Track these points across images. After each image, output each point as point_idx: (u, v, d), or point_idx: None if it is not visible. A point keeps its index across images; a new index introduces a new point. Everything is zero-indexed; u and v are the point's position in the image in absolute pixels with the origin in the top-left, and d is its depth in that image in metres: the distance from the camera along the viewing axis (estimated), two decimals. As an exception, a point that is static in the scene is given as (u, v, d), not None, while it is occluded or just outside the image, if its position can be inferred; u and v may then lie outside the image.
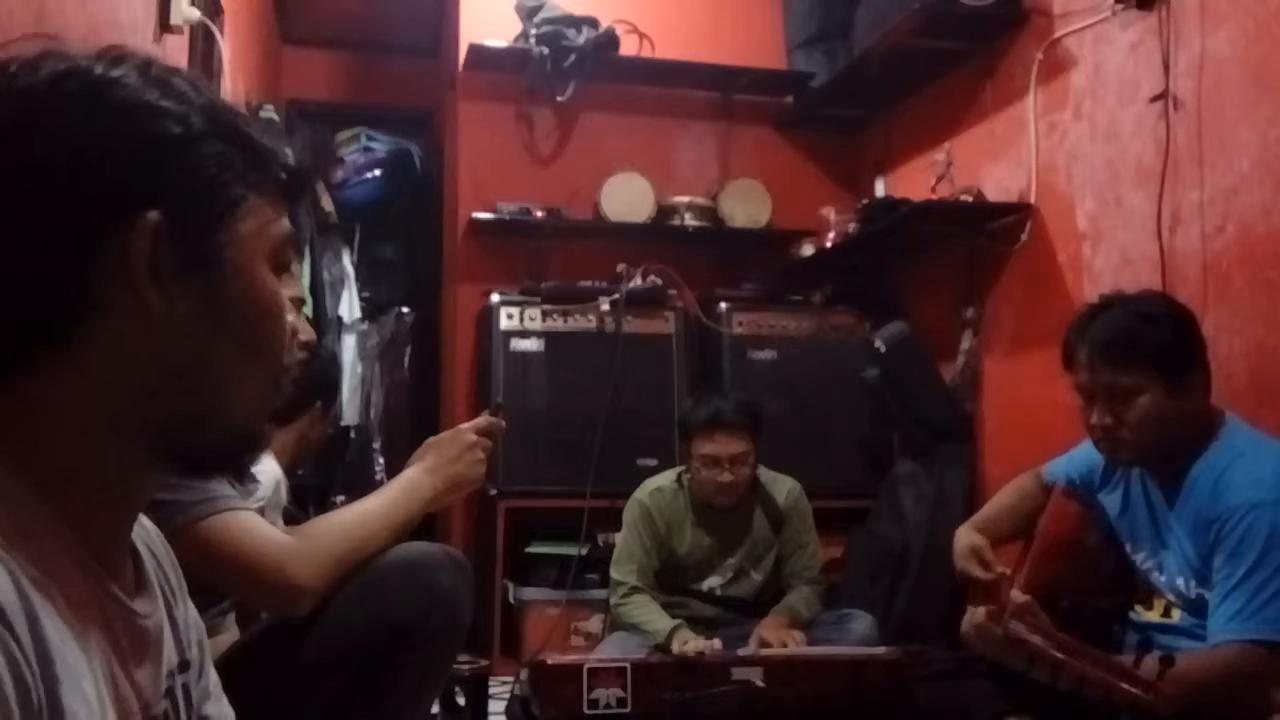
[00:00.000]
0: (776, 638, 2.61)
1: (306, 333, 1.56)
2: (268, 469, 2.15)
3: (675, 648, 2.56)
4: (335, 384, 2.69)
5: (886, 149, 3.99)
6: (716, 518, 2.92)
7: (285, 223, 0.77)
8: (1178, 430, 1.81)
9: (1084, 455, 2.04)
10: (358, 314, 4.57)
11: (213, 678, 0.89)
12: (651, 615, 2.74)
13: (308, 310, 3.42)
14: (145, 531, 0.82)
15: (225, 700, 0.92)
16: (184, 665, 0.80)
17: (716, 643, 2.62)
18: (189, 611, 0.85)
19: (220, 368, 0.72)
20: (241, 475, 0.76)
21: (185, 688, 0.79)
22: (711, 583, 2.94)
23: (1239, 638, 1.65)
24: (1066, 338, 1.89)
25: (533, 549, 3.48)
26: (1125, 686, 1.47)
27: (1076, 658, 1.51)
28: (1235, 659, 1.64)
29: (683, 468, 3.04)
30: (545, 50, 3.77)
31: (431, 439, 1.54)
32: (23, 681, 0.57)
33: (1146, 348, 1.79)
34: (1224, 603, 1.68)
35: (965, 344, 3.40)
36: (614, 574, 2.88)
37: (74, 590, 0.65)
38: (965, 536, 2.11)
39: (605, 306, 3.57)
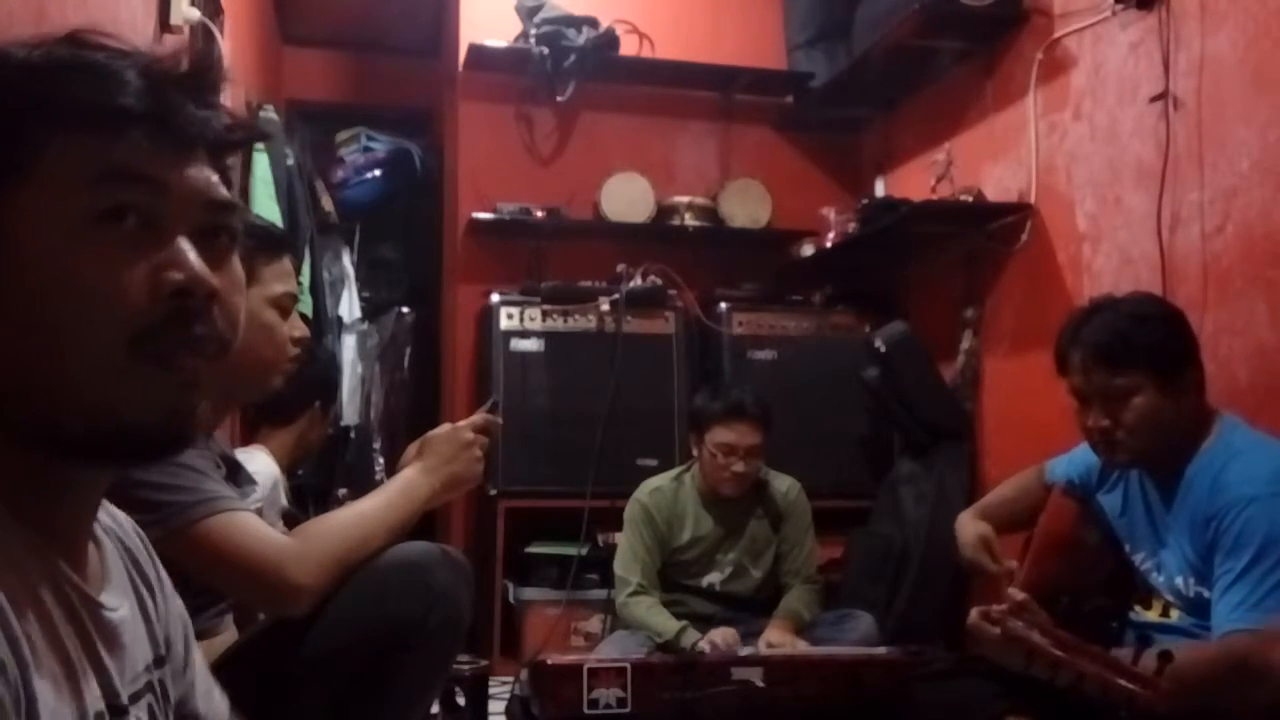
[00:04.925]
0: (783, 645, 2.63)
1: (300, 330, 1.56)
2: (265, 469, 2.15)
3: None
4: (334, 384, 2.69)
5: (886, 149, 3.99)
6: (719, 510, 2.94)
7: (129, 185, 0.65)
8: (1174, 429, 1.81)
9: (1083, 456, 2.04)
10: (358, 314, 4.57)
11: (200, 672, 0.88)
12: (659, 618, 2.78)
13: (307, 309, 3.42)
14: (117, 524, 0.80)
15: (217, 691, 0.90)
16: (159, 660, 0.78)
17: (732, 632, 2.64)
18: (170, 605, 0.83)
19: (30, 356, 0.63)
20: (155, 458, 0.68)
21: (162, 683, 0.78)
22: (711, 579, 2.95)
23: (1244, 626, 1.65)
24: (1059, 342, 1.89)
25: (533, 549, 3.48)
26: (1122, 683, 1.47)
27: (1074, 654, 1.51)
28: (1239, 646, 1.64)
29: (684, 466, 3.05)
30: (545, 50, 3.77)
31: (428, 435, 1.54)
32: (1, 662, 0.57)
33: (1140, 348, 1.79)
34: (1226, 595, 1.68)
35: (965, 344, 3.40)
36: (620, 571, 2.91)
37: (31, 579, 0.64)
38: (971, 525, 2.11)
39: (605, 306, 3.57)
